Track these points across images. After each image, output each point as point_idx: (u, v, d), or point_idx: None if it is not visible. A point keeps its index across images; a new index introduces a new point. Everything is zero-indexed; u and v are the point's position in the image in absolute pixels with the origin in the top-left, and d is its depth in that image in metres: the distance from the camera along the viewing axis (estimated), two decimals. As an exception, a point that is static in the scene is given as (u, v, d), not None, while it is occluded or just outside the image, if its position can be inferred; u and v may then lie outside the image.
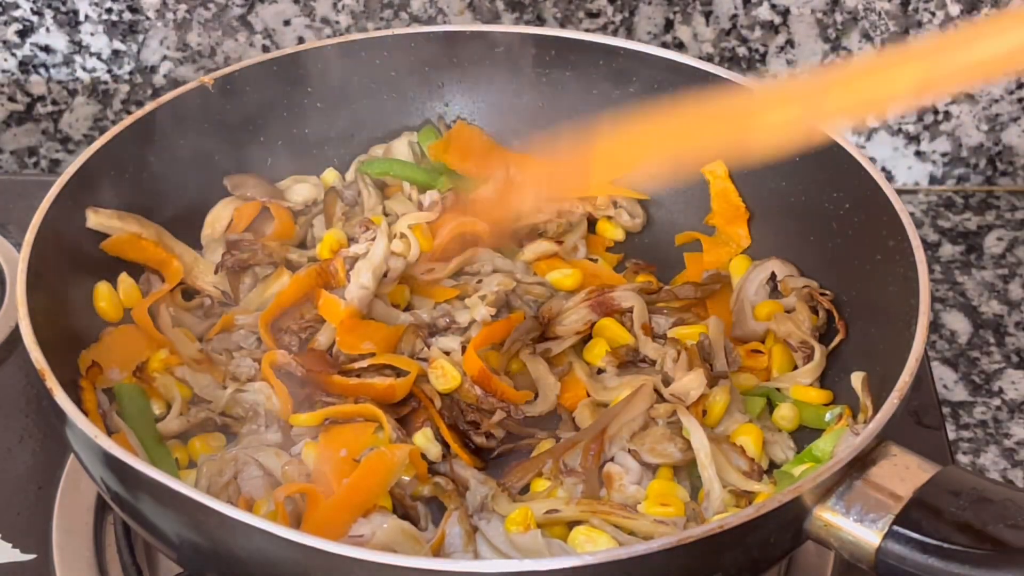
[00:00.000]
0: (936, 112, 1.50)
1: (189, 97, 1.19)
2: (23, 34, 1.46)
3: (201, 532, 0.89)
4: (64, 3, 1.44)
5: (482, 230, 1.19)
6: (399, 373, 1.09)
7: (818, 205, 1.17)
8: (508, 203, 1.21)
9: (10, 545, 1.09)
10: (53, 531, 1.10)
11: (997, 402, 1.30)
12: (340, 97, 1.26)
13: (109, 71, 1.48)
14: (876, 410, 0.95)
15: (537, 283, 1.19)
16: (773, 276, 1.17)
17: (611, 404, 1.08)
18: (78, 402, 1.00)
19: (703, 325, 1.14)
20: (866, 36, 1.45)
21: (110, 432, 1.05)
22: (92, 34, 1.46)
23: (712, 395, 1.08)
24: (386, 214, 1.24)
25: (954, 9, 1.43)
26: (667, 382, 1.09)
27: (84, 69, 1.48)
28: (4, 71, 1.48)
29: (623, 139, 1.06)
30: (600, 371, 1.13)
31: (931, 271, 1.01)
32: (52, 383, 0.96)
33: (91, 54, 1.47)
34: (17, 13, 1.44)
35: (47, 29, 1.45)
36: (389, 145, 1.28)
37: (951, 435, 1.26)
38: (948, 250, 1.47)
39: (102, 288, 1.13)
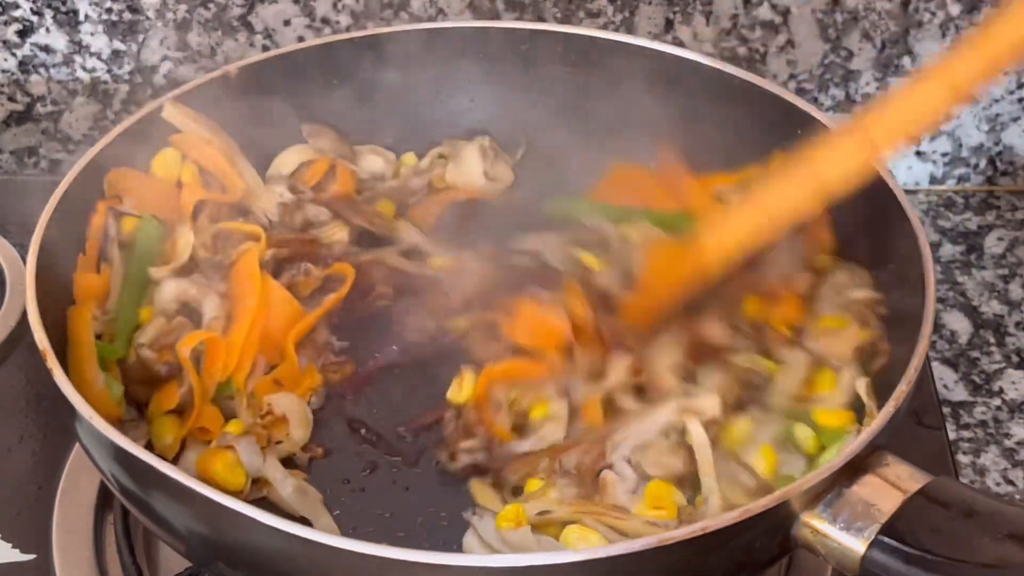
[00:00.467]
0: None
1: (208, 88, 1.20)
2: (23, 34, 1.46)
3: (211, 527, 0.89)
4: (64, 3, 1.44)
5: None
6: None
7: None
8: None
9: (10, 545, 1.10)
10: (53, 531, 1.10)
11: (997, 402, 1.30)
12: (366, 89, 1.27)
13: (109, 71, 1.48)
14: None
15: None
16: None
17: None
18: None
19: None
20: (866, 36, 1.45)
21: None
22: (92, 34, 1.46)
23: (733, 423, 1.05)
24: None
25: (954, 9, 1.43)
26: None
27: (84, 69, 1.48)
28: (4, 71, 1.48)
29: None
30: None
31: (933, 266, 1.01)
32: (53, 363, 0.95)
33: (91, 54, 1.47)
34: (17, 13, 1.44)
35: (47, 29, 1.45)
36: (458, 150, 1.28)
37: (951, 435, 1.26)
38: (948, 250, 1.47)
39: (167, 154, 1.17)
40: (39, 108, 1.50)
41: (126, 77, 1.48)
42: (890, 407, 0.92)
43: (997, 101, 1.49)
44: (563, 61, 1.28)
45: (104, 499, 1.12)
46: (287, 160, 1.24)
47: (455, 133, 1.30)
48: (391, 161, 1.28)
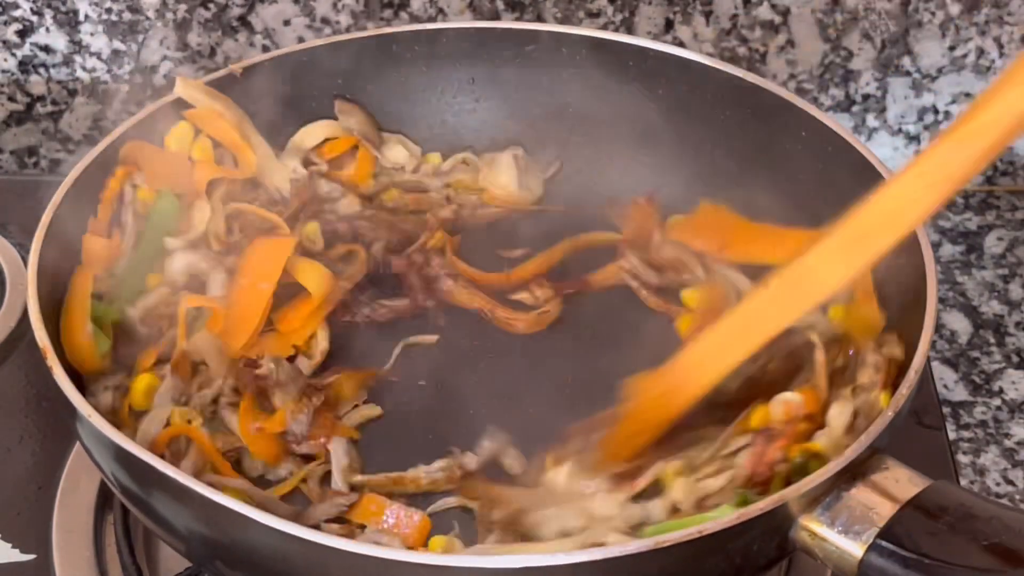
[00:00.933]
0: (936, 112, 1.50)
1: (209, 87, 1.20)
2: (23, 34, 1.46)
3: (213, 528, 0.90)
4: (64, 3, 1.44)
5: None
6: None
7: (822, 204, 1.17)
8: None
9: (10, 545, 1.09)
10: (53, 531, 1.10)
11: (997, 402, 1.30)
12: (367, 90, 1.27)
13: (109, 71, 1.48)
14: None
15: None
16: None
17: None
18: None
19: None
20: (866, 36, 1.45)
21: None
22: (92, 34, 1.46)
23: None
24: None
25: (954, 9, 1.43)
26: None
27: (84, 69, 1.48)
28: (4, 71, 1.48)
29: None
30: None
31: (935, 271, 1.01)
32: (53, 362, 0.95)
33: (91, 54, 1.47)
34: (17, 13, 1.44)
35: (47, 29, 1.45)
36: (493, 158, 1.28)
37: (951, 435, 1.26)
38: (948, 250, 1.47)
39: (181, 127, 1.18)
40: (39, 108, 1.50)
41: (126, 77, 1.48)
42: (889, 411, 0.92)
43: (997, 101, 1.49)
44: (564, 61, 1.28)
45: (104, 499, 1.12)
46: (313, 132, 1.25)
47: (459, 134, 1.31)
48: (415, 155, 1.29)
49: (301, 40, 1.46)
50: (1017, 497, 1.22)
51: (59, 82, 1.49)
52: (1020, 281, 1.43)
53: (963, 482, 1.22)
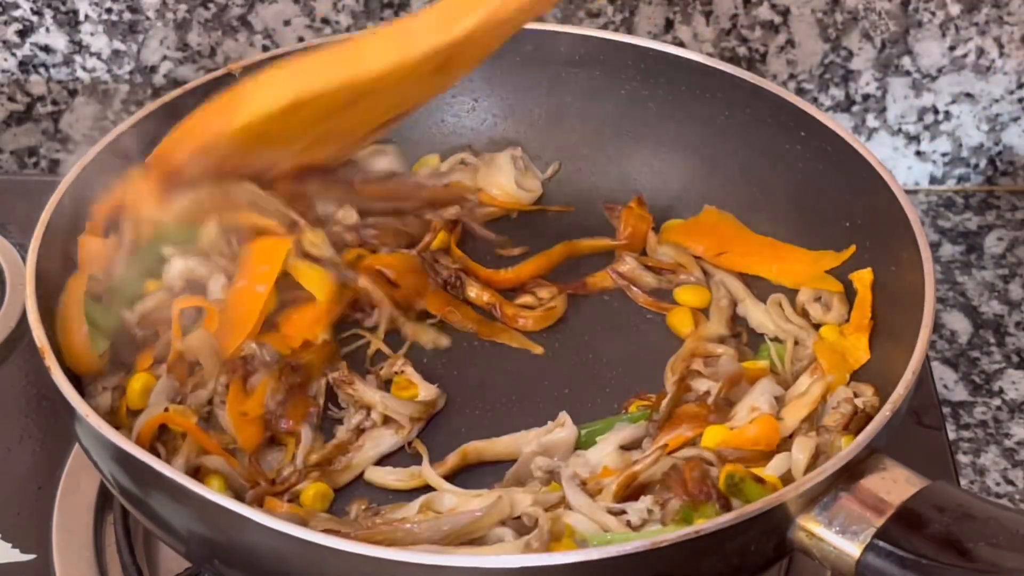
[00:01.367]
0: (936, 112, 1.50)
1: (209, 88, 1.20)
2: (23, 34, 1.46)
3: (212, 528, 0.90)
4: (64, 3, 1.44)
5: None
6: None
7: (823, 204, 1.17)
8: None
9: (10, 545, 1.09)
10: (53, 531, 1.10)
11: (997, 402, 1.30)
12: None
13: (109, 71, 1.48)
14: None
15: None
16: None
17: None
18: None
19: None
20: (866, 36, 1.45)
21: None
22: (92, 34, 1.46)
23: None
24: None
25: (954, 9, 1.43)
26: None
27: (84, 69, 1.48)
28: (4, 71, 1.48)
29: None
30: None
31: (933, 272, 1.01)
32: (51, 362, 0.96)
33: (91, 54, 1.47)
34: (17, 13, 1.44)
35: (47, 29, 1.45)
36: (491, 158, 1.28)
37: (951, 435, 1.26)
38: (948, 250, 1.47)
39: None
40: (39, 108, 1.50)
41: (126, 77, 1.48)
42: (887, 411, 0.92)
43: (997, 101, 1.49)
44: (564, 61, 1.28)
45: (104, 499, 1.12)
46: None
47: (458, 134, 1.31)
48: (397, 156, 1.28)
49: (301, 40, 1.46)
50: (1017, 497, 1.22)
51: (59, 82, 1.49)
52: (1020, 281, 1.43)
53: (963, 482, 1.22)
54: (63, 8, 1.44)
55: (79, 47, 1.46)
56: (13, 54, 1.47)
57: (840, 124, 1.17)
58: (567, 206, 1.28)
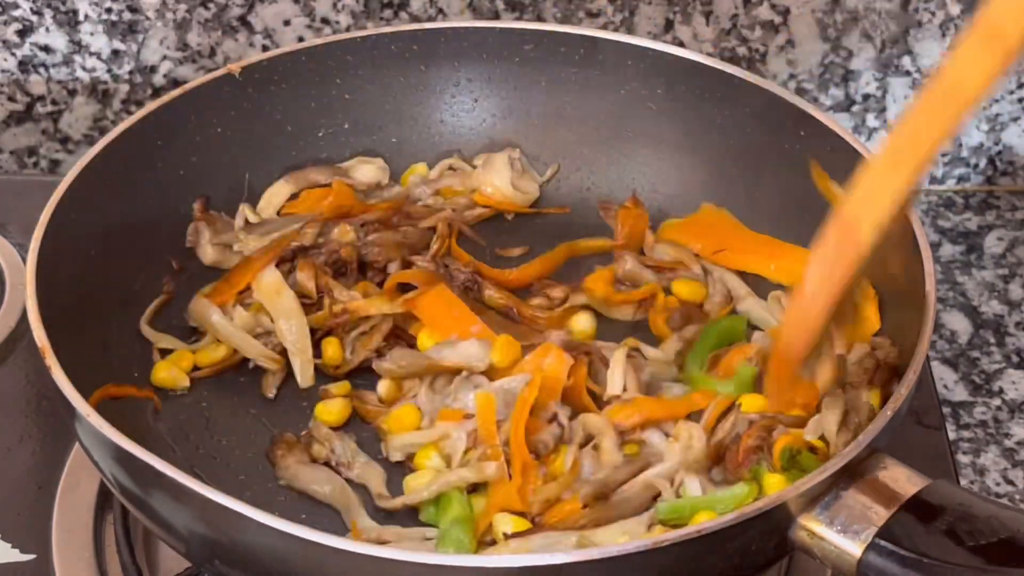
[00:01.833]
0: (936, 112, 1.50)
1: (209, 88, 1.20)
2: (23, 34, 1.46)
3: (212, 528, 0.90)
4: (64, 3, 1.44)
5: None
6: None
7: (823, 204, 1.17)
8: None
9: (10, 545, 1.09)
10: (53, 531, 1.10)
11: (997, 402, 1.30)
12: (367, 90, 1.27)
13: (109, 71, 1.48)
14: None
15: None
16: None
17: None
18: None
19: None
20: (866, 36, 1.45)
21: None
22: (92, 34, 1.46)
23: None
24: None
25: (954, 9, 1.43)
26: None
27: (84, 69, 1.48)
28: (4, 71, 1.48)
29: None
30: None
31: (934, 271, 1.01)
32: (51, 361, 0.95)
33: (91, 54, 1.47)
34: (17, 13, 1.44)
35: (47, 29, 1.45)
36: (488, 158, 1.28)
37: (951, 435, 1.26)
38: (948, 250, 1.47)
39: None
40: (39, 108, 1.50)
41: (126, 77, 1.48)
42: (888, 411, 0.92)
43: (997, 101, 1.48)
44: (564, 61, 1.28)
45: (104, 499, 1.12)
46: (278, 192, 1.25)
47: (457, 134, 1.31)
48: (383, 168, 1.28)
49: (301, 40, 1.46)
50: (1017, 497, 1.22)
51: (59, 82, 1.49)
52: (1020, 281, 1.43)
53: (963, 482, 1.22)
54: (63, 8, 1.44)
55: (79, 47, 1.46)
56: (13, 54, 1.47)
57: (840, 124, 1.17)
58: (563, 208, 1.28)
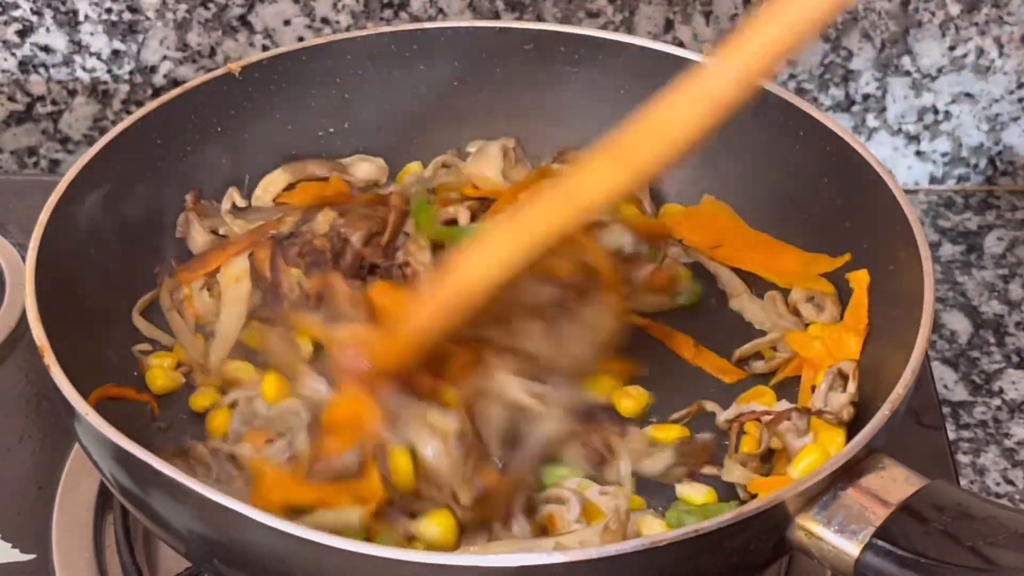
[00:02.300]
0: (936, 112, 1.50)
1: (209, 87, 1.20)
2: (23, 34, 1.46)
3: (212, 528, 0.90)
4: (64, 3, 1.44)
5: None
6: None
7: (822, 204, 1.17)
8: None
9: (10, 545, 1.09)
10: (53, 531, 1.10)
11: (997, 402, 1.30)
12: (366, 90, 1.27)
13: (109, 71, 1.48)
14: None
15: None
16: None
17: None
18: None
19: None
20: (866, 36, 1.45)
21: None
22: (92, 34, 1.46)
23: None
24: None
25: (954, 9, 1.43)
26: None
27: (84, 69, 1.48)
28: (4, 71, 1.48)
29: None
30: None
31: (933, 271, 1.02)
32: (51, 360, 0.95)
33: (91, 54, 1.47)
34: (17, 13, 1.44)
35: (47, 29, 1.45)
36: (482, 147, 1.28)
37: (951, 435, 1.26)
38: (948, 250, 1.47)
39: None
40: (39, 108, 1.50)
41: (126, 77, 1.49)
42: (886, 410, 0.92)
43: (997, 101, 1.49)
44: (564, 61, 1.28)
45: (104, 499, 1.12)
46: (275, 180, 1.25)
47: (456, 133, 1.31)
48: (382, 167, 1.28)
49: (301, 39, 1.46)
50: (1017, 497, 1.22)
51: (59, 82, 1.49)
52: (1020, 281, 1.43)
53: (963, 482, 1.22)
54: (63, 8, 1.44)
55: (79, 47, 1.47)
56: (13, 54, 1.47)
57: (840, 124, 1.17)
58: None
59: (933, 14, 1.43)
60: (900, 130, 1.51)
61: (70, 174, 1.10)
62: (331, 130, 1.28)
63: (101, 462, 0.96)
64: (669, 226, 1.23)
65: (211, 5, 1.44)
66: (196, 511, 0.89)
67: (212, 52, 1.47)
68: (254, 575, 0.91)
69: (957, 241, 1.48)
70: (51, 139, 1.52)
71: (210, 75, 1.21)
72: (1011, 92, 1.48)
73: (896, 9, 1.43)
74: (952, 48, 1.46)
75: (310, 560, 0.85)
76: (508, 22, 1.38)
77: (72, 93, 1.49)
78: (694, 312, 1.19)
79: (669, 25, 1.45)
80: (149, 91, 1.49)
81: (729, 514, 0.85)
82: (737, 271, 1.20)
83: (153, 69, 1.48)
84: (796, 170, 1.19)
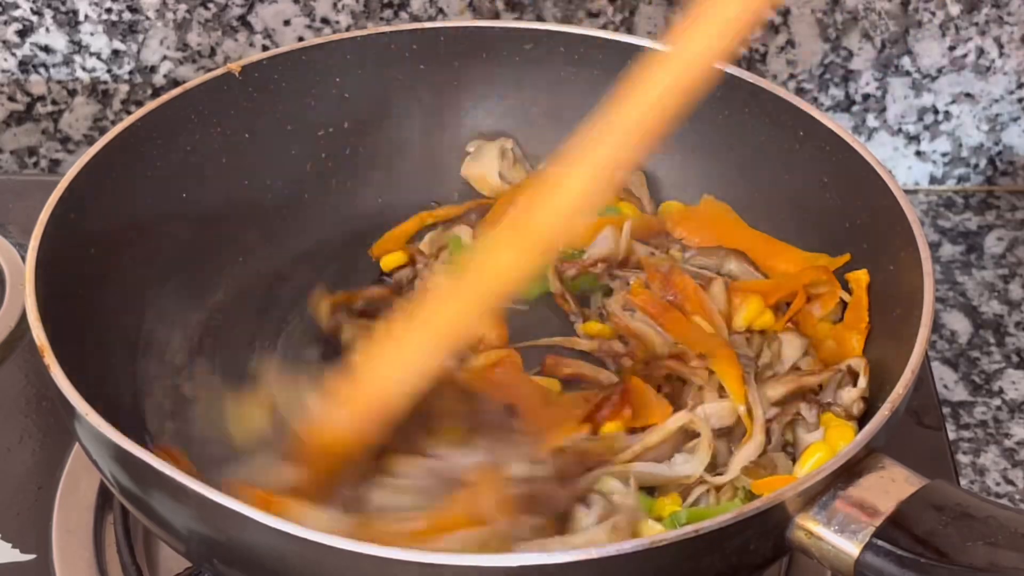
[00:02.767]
0: (936, 112, 1.50)
1: (209, 87, 1.20)
2: (23, 34, 1.46)
3: (212, 527, 0.89)
4: (64, 3, 1.44)
5: None
6: None
7: (822, 204, 1.17)
8: None
9: (10, 545, 1.09)
10: (53, 531, 1.10)
11: (997, 402, 1.30)
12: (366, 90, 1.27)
13: (109, 71, 1.48)
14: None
15: None
16: None
17: None
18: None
19: None
20: (866, 36, 1.45)
21: None
22: (92, 34, 1.46)
23: None
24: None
25: (954, 9, 1.43)
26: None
27: (84, 69, 1.48)
28: (4, 71, 1.48)
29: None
30: None
31: (932, 271, 1.02)
32: (50, 359, 0.95)
33: (91, 54, 1.47)
34: (17, 13, 1.44)
35: (47, 29, 1.45)
36: (479, 147, 1.28)
37: (951, 435, 1.26)
38: (948, 250, 1.47)
39: None
40: (39, 108, 1.50)
41: (126, 77, 1.49)
42: (885, 411, 0.92)
43: (997, 101, 1.49)
44: (564, 61, 1.28)
45: (104, 499, 1.12)
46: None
47: (456, 133, 1.31)
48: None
49: (301, 39, 1.46)
50: (1017, 497, 1.22)
51: (59, 82, 1.49)
52: (1020, 281, 1.43)
53: (963, 482, 1.22)
54: (63, 8, 1.44)
55: (79, 47, 1.47)
56: (13, 54, 1.47)
57: (840, 124, 1.17)
58: None
59: (933, 14, 1.43)
60: (900, 130, 1.51)
61: (70, 174, 1.10)
62: (331, 130, 1.28)
63: (101, 462, 0.96)
64: (667, 223, 1.23)
65: (211, 5, 1.44)
66: (196, 511, 0.89)
67: (212, 52, 1.47)
68: (254, 575, 0.91)
69: (957, 241, 1.48)
70: (51, 139, 1.52)
71: (210, 75, 1.21)
72: (1011, 92, 1.48)
73: (896, 9, 1.43)
74: (952, 48, 1.46)
75: (310, 560, 0.85)
76: (508, 22, 1.38)
77: (72, 93, 1.49)
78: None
79: (669, 25, 1.45)
80: (149, 91, 1.49)
81: (729, 514, 0.85)
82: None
83: (153, 69, 1.48)
84: (796, 170, 1.19)
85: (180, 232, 1.20)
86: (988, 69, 1.47)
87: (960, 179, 1.54)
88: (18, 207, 1.38)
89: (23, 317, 1.19)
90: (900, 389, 0.94)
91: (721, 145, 1.24)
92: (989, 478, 1.23)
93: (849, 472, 0.89)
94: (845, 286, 1.13)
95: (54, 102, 1.50)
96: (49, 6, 1.44)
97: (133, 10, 1.44)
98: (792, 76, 1.48)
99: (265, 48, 1.47)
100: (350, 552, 0.84)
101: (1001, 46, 1.45)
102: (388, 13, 1.45)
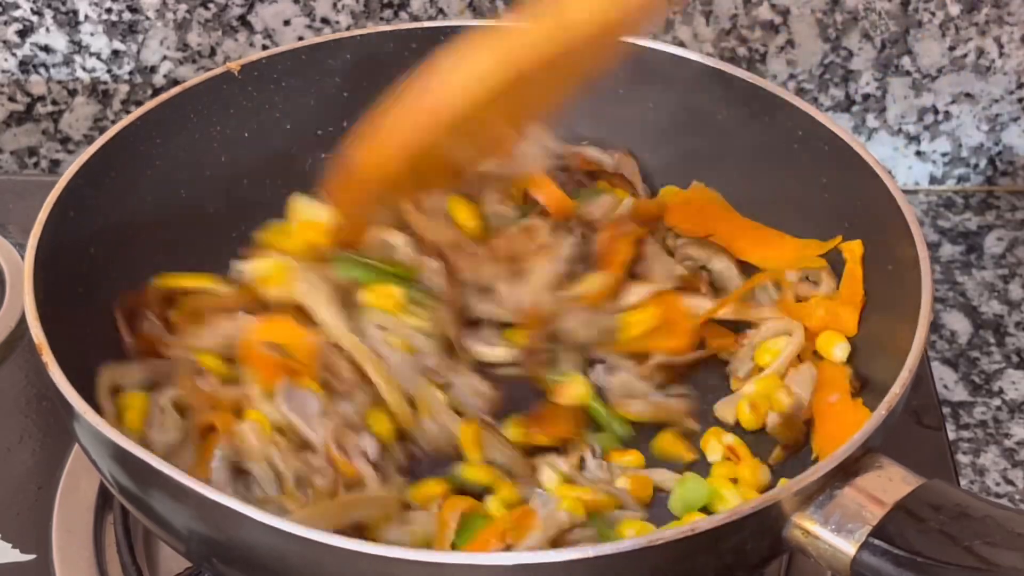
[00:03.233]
0: (936, 112, 1.50)
1: (208, 87, 1.20)
2: (23, 34, 1.46)
3: (212, 527, 0.89)
4: (64, 3, 1.44)
5: None
6: None
7: (822, 204, 1.17)
8: None
9: (10, 545, 1.09)
10: (53, 531, 1.10)
11: (997, 402, 1.30)
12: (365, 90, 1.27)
13: (109, 71, 1.48)
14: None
15: None
16: None
17: None
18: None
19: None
20: (866, 36, 1.45)
21: None
22: (92, 34, 1.46)
23: None
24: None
25: (954, 9, 1.43)
26: None
27: (84, 69, 1.48)
28: (4, 71, 1.48)
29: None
30: None
31: (931, 271, 1.02)
32: (48, 358, 0.95)
33: (91, 54, 1.47)
34: (17, 13, 1.45)
35: (47, 29, 1.45)
36: None
37: (951, 435, 1.26)
38: (948, 250, 1.47)
39: None
40: (39, 108, 1.50)
41: (126, 77, 1.49)
42: (882, 410, 0.92)
43: (997, 101, 1.48)
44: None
45: (104, 499, 1.12)
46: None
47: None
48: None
49: (301, 39, 1.46)
50: (1017, 497, 1.22)
51: (59, 82, 1.49)
52: (1020, 281, 1.43)
53: (963, 482, 1.22)
54: (63, 8, 1.44)
55: (79, 47, 1.47)
56: (13, 54, 1.47)
57: (840, 124, 1.17)
58: None
59: (933, 14, 1.43)
60: (900, 130, 1.51)
61: (69, 173, 1.10)
62: (331, 130, 1.28)
63: (101, 462, 0.96)
64: (663, 207, 1.23)
65: (211, 5, 1.44)
66: (196, 511, 0.89)
67: (212, 52, 1.47)
68: (254, 575, 0.91)
69: (957, 241, 1.48)
70: (51, 139, 1.52)
71: (209, 74, 1.21)
72: (1011, 92, 1.48)
73: (896, 9, 1.43)
74: (952, 48, 1.46)
75: (310, 560, 0.85)
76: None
77: (72, 93, 1.50)
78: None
79: (669, 25, 1.45)
80: (149, 91, 1.49)
81: (725, 513, 0.85)
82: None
83: (153, 69, 1.48)
84: (796, 170, 1.19)
85: (180, 231, 1.20)
86: (988, 69, 1.47)
87: (960, 179, 1.54)
88: (18, 207, 1.38)
89: (23, 317, 1.19)
90: (897, 389, 0.94)
91: (720, 145, 1.24)
92: (989, 478, 1.23)
93: (846, 471, 0.89)
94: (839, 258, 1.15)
95: (54, 102, 1.50)
96: (49, 6, 1.44)
97: (133, 10, 1.44)
98: (792, 76, 1.48)
99: (265, 48, 1.47)
100: (350, 552, 0.84)
101: (1001, 46, 1.45)
102: (388, 13, 1.45)
